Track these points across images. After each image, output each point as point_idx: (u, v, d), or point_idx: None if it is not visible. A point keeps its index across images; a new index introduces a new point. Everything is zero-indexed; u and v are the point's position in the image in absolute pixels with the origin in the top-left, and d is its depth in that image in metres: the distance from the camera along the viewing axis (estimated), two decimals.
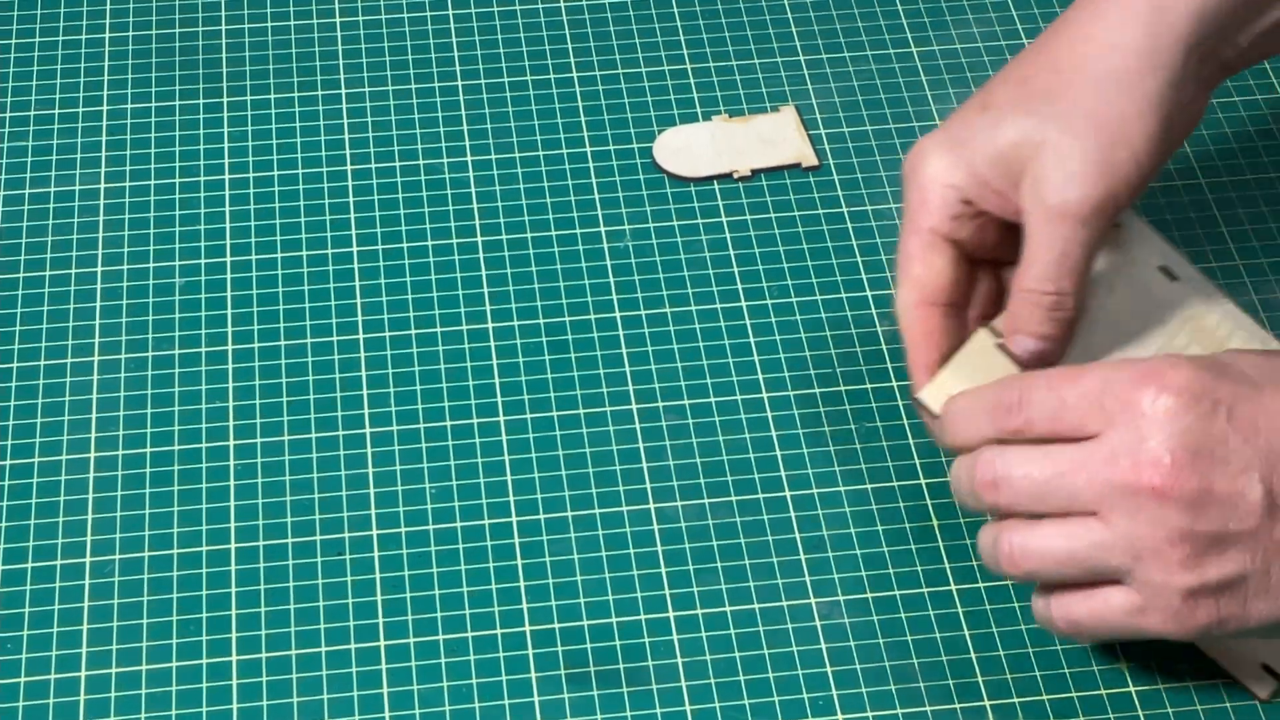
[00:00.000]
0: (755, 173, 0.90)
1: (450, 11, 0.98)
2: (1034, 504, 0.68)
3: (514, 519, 0.79)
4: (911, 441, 0.81)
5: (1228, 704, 0.74)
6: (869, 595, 0.77)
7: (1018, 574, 0.68)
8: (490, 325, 0.85)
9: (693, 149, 0.91)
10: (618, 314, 0.85)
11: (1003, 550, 0.68)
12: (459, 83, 0.95)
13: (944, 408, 0.72)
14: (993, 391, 0.69)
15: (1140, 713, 0.73)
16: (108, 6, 0.98)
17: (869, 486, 0.80)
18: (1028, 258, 0.72)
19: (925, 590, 0.77)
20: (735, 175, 0.90)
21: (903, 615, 0.76)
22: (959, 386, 0.72)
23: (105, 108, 0.94)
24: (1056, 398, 0.67)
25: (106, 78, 0.95)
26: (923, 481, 0.80)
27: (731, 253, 0.88)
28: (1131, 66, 0.71)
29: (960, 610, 0.76)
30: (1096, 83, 0.71)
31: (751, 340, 0.85)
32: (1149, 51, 0.71)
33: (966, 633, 0.76)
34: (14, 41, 0.97)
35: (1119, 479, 0.65)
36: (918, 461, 0.81)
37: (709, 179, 0.90)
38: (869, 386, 0.83)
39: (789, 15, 0.99)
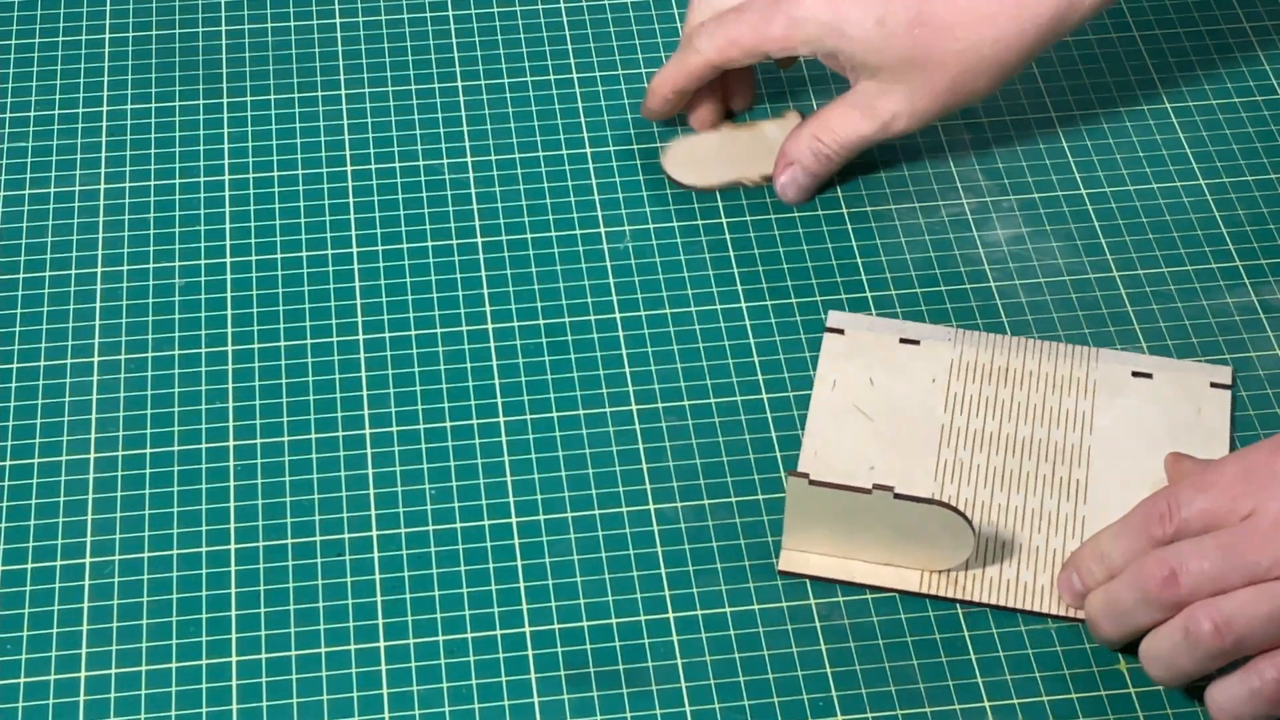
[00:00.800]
0: (765, 180, 0.90)
1: (450, 12, 0.98)
2: (1215, 587, 0.69)
3: (514, 520, 0.79)
4: None
5: None
6: (869, 596, 0.77)
7: (1227, 644, 0.69)
8: (490, 326, 0.85)
9: (701, 158, 0.91)
10: (617, 315, 0.85)
11: (1205, 628, 0.69)
12: (459, 83, 0.95)
13: (1100, 548, 0.74)
14: (1140, 508, 0.73)
15: (1140, 713, 0.73)
16: (108, 7, 0.98)
17: None
18: (837, 124, 0.87)
19: (925, 591, 0.77)
20: (747, 183, 0.90)
21: (902, 616, 0.76)
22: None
23: (105, 108, 0.94)
24: (1204, 493, 0.71)
25: (106, 78, 0.95)
26: None
27: (731, 254, 0.88)
28: (1007, 62, 0.85)
29: (960, 611, 0.76)
30: (974, 64, 0.84)
31: (751, 341, 0.85)
32: (1030, 51, 0.84)
33: (966, 633, 0.76)
34: (14, 42, 0.97)
35: None
36: None
37: (720, 188, 0.90)
38: None
39: None
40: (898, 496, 0.73)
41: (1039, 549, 0.77)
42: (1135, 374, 0.83)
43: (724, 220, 0.89)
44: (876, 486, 0.73)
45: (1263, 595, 0.69)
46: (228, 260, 0.88)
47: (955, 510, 0.73)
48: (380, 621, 0.76)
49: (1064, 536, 0.78)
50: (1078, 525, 0.78)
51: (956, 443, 0.81)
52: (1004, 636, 0.76)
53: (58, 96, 0.94)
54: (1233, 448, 0.81)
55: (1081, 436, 0.81)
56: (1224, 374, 0.83)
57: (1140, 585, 0.71)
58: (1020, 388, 0.82)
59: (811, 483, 0.74)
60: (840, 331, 0.84)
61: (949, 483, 0.79)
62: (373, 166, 0.91)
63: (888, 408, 0.81)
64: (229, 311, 0.86)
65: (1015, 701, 0.74)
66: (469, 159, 0.92)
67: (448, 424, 0.82)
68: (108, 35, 0.97)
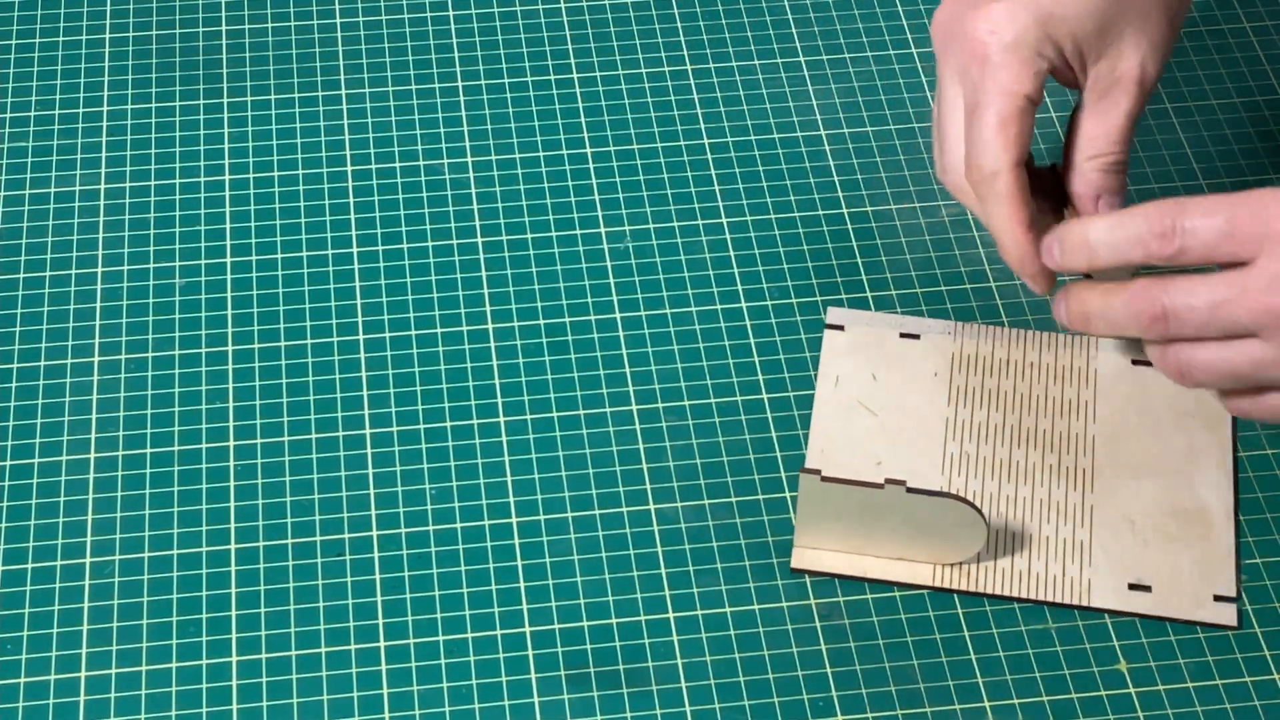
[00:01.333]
0: None
1: (450, 13, 0.98)
2: (1199, 333, 0.72)
3: (514, 520, 0.79)
4: None
5: (1228, 705, 0.74)
6: (869, 596, 0.77)
7: (1187, 383, 0.74)
8: (490, 326, 0.85)
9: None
10: (618, 315, 0.85)
11: (1171, 363, 0.74)
12: (459, 84, 0.95)
13: (1089, 236, 0.74)
14: (1144, 217, 0.73)
15: (1140, 714, 0.73)
16: (108, 7, 0.98)
17: None
18: (1104, 128, 0.78)
19: (925, 591, 0.77)
20: None
21: (902, 616, 0.76)
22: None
23: (105, 108, 0.94)
24: (1212, 221, 0.71)
25: (107, 78, 0.95)
26: None
27: (731, 254, 0.88)
28: None
29: (960, 611, 0.76)
30: None
31: (751, 341, 0.85)
32: None
33: (966, 634, 0.76)
34: (14, 42, 0.97)
35: (1277, 306, 0.70)
36: None
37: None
38: None
39: (789, 15, 0.99)
40: (910, 491, 0.73)
41: (1049, 539, 0.78)
42: (1135, 362, 0.83)
43: (724, 220, 0.89)
44: (889, 481, 0.73)
45: (1232, 351, 0.72)
46: (228, 260, 0.88)
47: (967, 503, 0.74)
48: (380, 621, 0.76)
49: (1073, 525, 0.78)
50: (1086, 514, 0.78)
51: (961, 435, 0.81)
52: (1004, 636, 0.76)
53: (58, 96, 0.94)
54: (1234, 433, 0.81)
55: (1085, 425, 0.81)
56: None
57: (1132, 311, 0.74)
58: (1022, 379, 0.83)
59: (824, 479, 0.74)
60: (840, 328, 0.84)
61: (956, 476, 0.79)
62: (373, 166, 0.91)
63: (891, 403, 0.81)
64: (229, 311, 0.86)
65: (1015, 702, 0.74)
66: (469, 159, 0.92)
67: (448, 424, 0.82)
68: (108, 35, 0.97)
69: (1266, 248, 0.70)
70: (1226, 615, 0.76)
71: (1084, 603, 0.76)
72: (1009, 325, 0.85)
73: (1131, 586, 0.77)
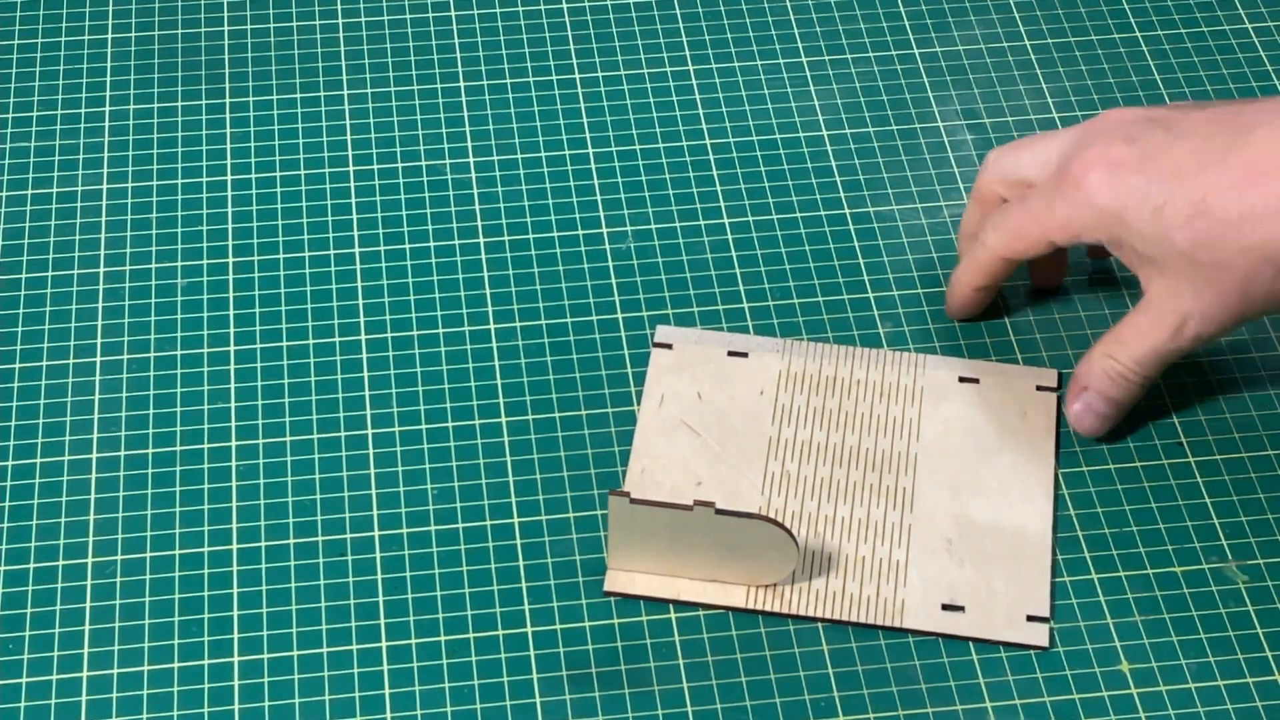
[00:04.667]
0: None
1: (452, 13, 0.98)
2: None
3: (516, 520, 0.79)
4: None
5: (1229, 706, 0.74)
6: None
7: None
8: (492, 326, 0.85)
9: None
10: (619, 315, 0.85)
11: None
12: (461, 83, 0.95)
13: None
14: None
15: (1142, 714, 0.73)
16: (110, 7, 0.98)
17: None
18: (1130, 339, 0.79)
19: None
20: None
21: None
22: None
23: (108, 108, 0.94)
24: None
25: (109, 78, 0.95)
26: None
27: (734, 254, 0.88)
28: None
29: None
30: (1259, 265, 0.74)
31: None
32: None
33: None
34: (16, 42, 0.97)
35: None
36: None
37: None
38: None
39: (790, 15, 0.99)
40: (719, 512, 0.73)
41: (865, 559, 0.77)
42: (962, 379, 0.83)
43: (725, 220, 0.89)
44: (698, 503, 0.73)
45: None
46: (230, 260, 0.88)
47: (778, 524, 0.73)
48: (382, 621, 0.76)
49: (890, 545, 0.77)
50: (904, 533, 0.78)
51: (784, 455, 0.80)
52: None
53: (60, 96, 0.94)
54: (1058, 450, 0.81)
55: (909, 444, 0.81)
56: (1049, 377, 0.83)
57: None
58: (849, 397, 0.82)
59: (632, 501, 0.73)
60: (668, 346, 0.83)
61: (776, 495, 0.79)
62: (375, 166, 0.91)
63: (715, 422, 0.81)
64: (231, 311, 0.86)
65: (1017, 703, 0.74)
66: (471, 159, 0.92)
67: (450, 423, 0.82)
68: (110, 35, 0.97)
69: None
70: (1038, 636, 0.75)
71: (897, 624, 0.75)
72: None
73: (945, 607, 0.76)
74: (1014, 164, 0.82)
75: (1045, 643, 0.75)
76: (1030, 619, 0.75)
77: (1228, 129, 0.75)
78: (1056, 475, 0.80)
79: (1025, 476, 0.79)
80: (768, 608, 0.76)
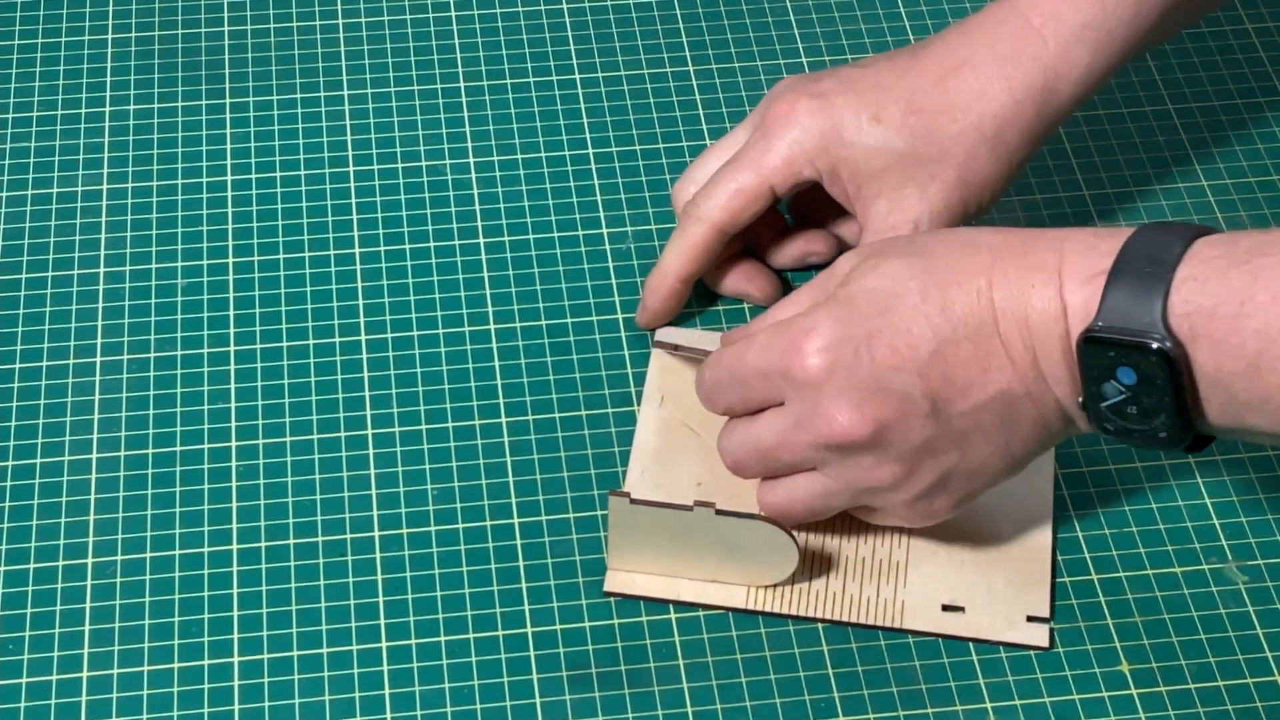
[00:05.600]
0: None
1: (453, 13, 0.98)
2: (771, 474, 0.75)
3: (516, 520, 0.79)
4: None
5: (1229, 707, 0.74)
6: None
7: (790, 524, 0.75)
8: (492, 326, 0.85)
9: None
10: (619, 315, 0.85)
11: (764, 503, 0.75)
12: (461, 84, 0.95)
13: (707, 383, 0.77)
14: (700, 381, 0.76)
15: (1142, 714, 0.73)
16: (110, 7, 0.98)
17: None
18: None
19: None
20: None
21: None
22: None
23: (108, 108, 0.94)
24: (737, 387, 0.74)
25: (109, 78, 0.95)
26: None
27: None
28: (1009, 140, 0.81)
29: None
30: (978, 146, 0.81)
31: None
32: (1028, 127, 0.81)
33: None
34: (17, 42, 0.97)
35: (813, 440, 0.72)
36: None
37: None
38: None
39: (790, 15, 0.99)
40: (719, 513, 0.73)
41: (865, 560, 0.77)
42: None
43: None
44: (698, 503, 0.73)
45: (803, 489, 0.74)
46: (230, 260, 0.88)
47: (779, 525, 0.73)
48: (383, 622, 0.76)
49: (890, 547, 0.77)
50: (903, 535, 0.78)
51: None
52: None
53: (60, 96, 0.94)
54: (1057, 453, 0.80)
55: None
56: None
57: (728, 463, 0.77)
58: None
59: (633, 502, 0.74)
60: (669, 346, 0.83)
61: None
62: (375, 167, 0.91)
63: (715, 422, 0.80)
64: (231, 311, 0.86)
65: (1017, 703, 0.74)
66: (471, 159, 0.92)
67: (450, 424, 0.82)
68: (110, 35, 0.97)
69: (787, 393, 0.72)
70: (1038, 636, 0.75)
71: (897, 624, 0.75)
72: None
73: (945, 607, 0.76)
74: (703, 173, 0.83)
75: (1045, 643, 0.75)
76: (1030, 619, 0.75)
77: (903, 52, 0.82)
78: (1056, 475, 0.80)
79: (1025, 478, 0.79)
80: (768, 608, 0.76)
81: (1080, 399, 0.69)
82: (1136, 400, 0.67)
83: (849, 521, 0.78)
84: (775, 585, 0.76)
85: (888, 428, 0.70)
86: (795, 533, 0.75)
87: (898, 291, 0.71)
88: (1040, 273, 0.69)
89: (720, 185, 0.81)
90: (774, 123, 0.81)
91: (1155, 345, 0.65)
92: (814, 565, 0.77)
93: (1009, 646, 0.75)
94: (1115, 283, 0.66)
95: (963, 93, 0.80)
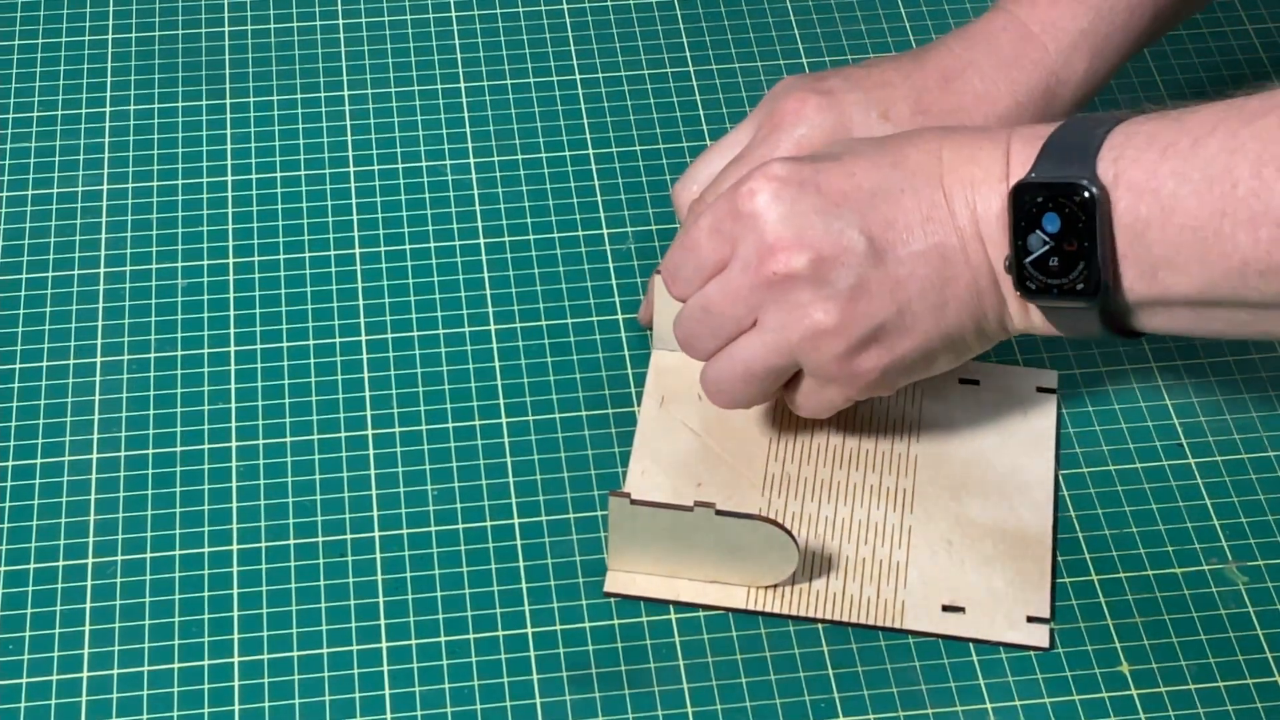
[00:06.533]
0: None
1: (453, 13, 0.98)
2: (717, 343, 0.75)
3: (516, 520, 0.79)
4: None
5: (1229, 707, 0.74)
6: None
7: (725, 404, 0.76)
8: (493, 326, 0.85)
9: None
10: (619, 315, 0.85)
11: (705, 390, 0.76)
12: (461, 84, 0.95)
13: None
14: (662, 272, 0.77)
15: (1141, 715, 0.73)
16: (110, 7, 0.98)
17: None
18: None
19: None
20: None
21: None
22: None
23: (108, 109, 0.94)
24: (689, 255, 0.74)
25: (109, 78, 0.95)
26: None
27: None
28: None
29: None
30: None
31: None
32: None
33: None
34: (17, 42, 0.97)
35: (754, 279, 0.73)
36: None
37: None
38: None
39: (790, 16, 0.99)
40: (719, 513, 0.73)
41: (865, 561, 0.77)
42: (962, 380, 0.82)
43: None
44: (698, 504, 0.73)
45: (739, 355, 0.74)
46: (230, 260, 0.88)
47: (779, 525, 0.73)
48: (383, 622, 0.76)
49: (890, 547, 0.77)
50: (904, 534, 0.78)
51: (785, 456, 0.80)
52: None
53: (61, 96, 0.94)
54: (1058, 452, 0.81)
55: (909, 445, 0.80)
56: (1050, 378, 0.83)
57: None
58: None
59: (633, 502, 0.74)
60: (670, 348, 0.83)
61: (776, 497, 0.79)
62: (375, 167, 0.91)
63: (716, 423, 0.80)
64: (231, 312, 0.86)
65: (1017, 704, 0.74)
66: (471, 159, 0.92)
67: (450, 424, 0.82)
68: (111, 35, 0.97)
69: (735, 238, 0.73)
70: (1038, 637, 0.75)
71: (897, 625, 0.75)
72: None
73: (945, 608, 0.76)
74: (707, 173, 0.83)
75: (1045, 644, 0.75)
76: (1030, 620, 0.75)
77: (906, 55, 0.83)
78: (1057, 476, 0.80)
79: (1025, 478, 0.79)
80: (768, 609, 0.76)
81: (1006, 258, 0.71)
82: (1059, 250, 0.69)
83: (849, 522, 0.78)
84: (775, 586, 0.76)
85: (825, 260, 0.72)
86: (795, 533, 0.75)
87: (855, 149, 0.74)
88: (988, 140, 0.72)
89: (726, 184, 0.81)
90: (782, 119, 0.81)
91: (1082, 184, 0.68)
92: (814, 566, 0.77)
93: (1009, 647, 0.75)
94: (1051, 141, 0.70)
95: (968, 94, 0.81)
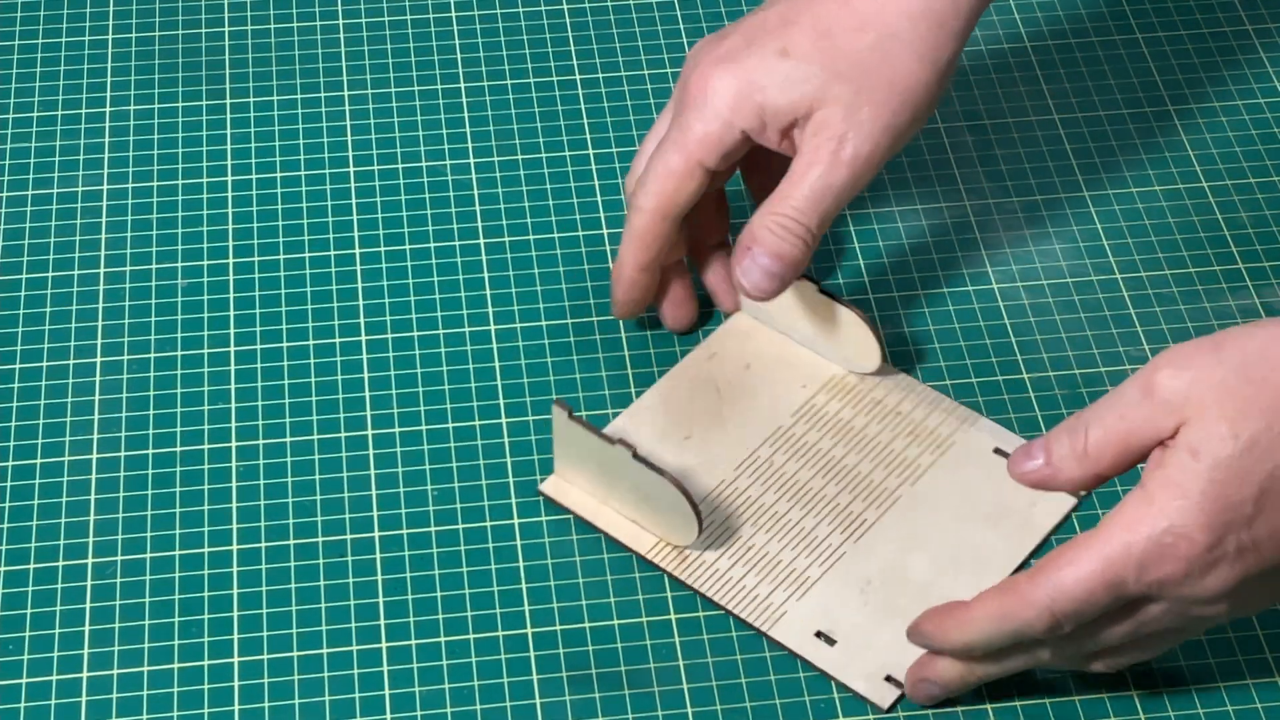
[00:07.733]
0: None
1: (453, 13, 0.98)
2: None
3: (516, 520, 0.79)
4: None
5: (1229, 708, 0.74)
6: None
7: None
8: (492, 326, 0.85)
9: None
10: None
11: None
12: (461, 84, 0.95)
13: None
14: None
15: (1141, 715, 0.73)
16: (110, 7, 0.98)
17: None
18: (789, 189, 0.78)
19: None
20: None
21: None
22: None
23: (108, 109, 0.94)
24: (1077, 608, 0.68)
25: (109, 79, 0.95)
26: None
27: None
28: (927, 38, 0.78)
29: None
30: (896, 51, 0.78)
31: None
32: (946, 21, 0.78)
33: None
34: (17, 42, 0.97)
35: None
36: None
37: None
38: None
39: None
40: (635, 458, 0.74)
41: (781, 563, 0.76)
42: (996, 450, 0.80)
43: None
44: (620, 441, 0.74)
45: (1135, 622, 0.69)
46: (230, 261, 0.88)
47: (684, 492, 0.74)
48: (383, 622, 0.76)
49: (810, 561, 0.76)
50: (832, 557, 0.76)
51: (781, 446, 0.80)
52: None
53: (60, 96, 0.94)
54: (1041, 551, 0.77)
55: (901, 485, 0.79)
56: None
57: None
58: (879, 422, 0.81)
59: (571, 417, 0.75)
60: (752, 318, 0.84)
61: (744, 477, 0.79)
62: (375, 167, 0.91)
63: (744, 393, 0.80)
64: (231, 312, 0.86)
65: (1017, 704, 0.74)
66: (471, 159, 0.92)
67: (450, 424, 0.82)
68: (111, 35, 0.97)
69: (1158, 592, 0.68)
70: (883, 696, 0.73)
71: (766, 630, 0.74)
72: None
73: (818, 634, 0.74)
74: (643, 162, 0.82)
75: (885, 707, 0.73)
76: (888, 679, 0.73)
77: None
78: (1021, 568, 0.77)
79: (988, 558, 0.77)
80: (665, 566, 0.76)
81: None
82: None
83: (792, 525, 0.77)
84: (681, 548, 0.77)
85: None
86: (700, 507, 0.75)
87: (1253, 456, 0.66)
88: None
89: (650, 172, 0.80)
90: (688, 99, 0.80)
91: None
92: (731, 547, 0.77)
93: (855, 696, 0.73)
94: None
95: (869, 3, 0.78)
